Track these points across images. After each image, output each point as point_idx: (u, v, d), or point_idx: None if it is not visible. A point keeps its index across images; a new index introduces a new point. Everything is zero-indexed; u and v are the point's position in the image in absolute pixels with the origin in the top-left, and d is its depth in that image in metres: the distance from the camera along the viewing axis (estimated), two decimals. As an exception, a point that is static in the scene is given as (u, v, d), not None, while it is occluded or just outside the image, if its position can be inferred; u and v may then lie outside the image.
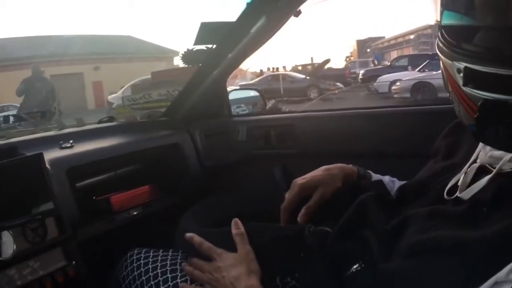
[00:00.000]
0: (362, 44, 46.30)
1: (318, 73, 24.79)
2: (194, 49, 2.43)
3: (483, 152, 1.06)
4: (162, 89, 2.96)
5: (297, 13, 2.09)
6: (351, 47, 49.99)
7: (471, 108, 0.93)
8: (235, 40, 2.27)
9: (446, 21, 1.00)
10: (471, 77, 0.91)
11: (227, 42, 2.30)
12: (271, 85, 20.90)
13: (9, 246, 1.58)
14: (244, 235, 1.31)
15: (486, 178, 0.97)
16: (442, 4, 1.00)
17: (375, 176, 1.57)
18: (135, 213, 2.21)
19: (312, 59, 37.73)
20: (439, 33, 1.03)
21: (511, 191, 0.91)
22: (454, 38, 0.97)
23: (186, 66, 2.72)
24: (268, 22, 2.12)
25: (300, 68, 30.61)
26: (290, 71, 28.40)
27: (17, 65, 19.24)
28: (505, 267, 0.79)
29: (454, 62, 0.94)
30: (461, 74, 0.92)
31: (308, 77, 23.63)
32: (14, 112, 11.20)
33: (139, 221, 2.21)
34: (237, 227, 1.33)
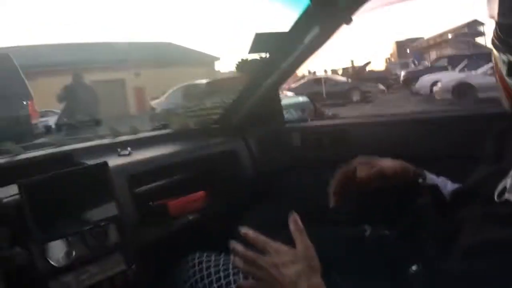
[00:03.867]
0: (401, 45, 45.76)
1: (359, 75, 24.62)
2: (247, 59, 2.46)
3: None
4: (215, 97, 3.00)
5: (349, 21, 2.11)
6: (390, 48, 49.30)
7: (511, 96, 1.03)
8: (288, 49, 2.29)
9: (501, 19, 1.06)
10: None
11: (280, 52, 2.33)
12: (313, 88, 20.80)
13: (68, 253, 1.63)
14: (303, 231, 1.16)
15: None
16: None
17: (430, 176, 1.57)
18: (191, 218, 2.24)
19: (352, 61, 37.50)
20: (494, 29, 1.09)
21: None
22: (504, 33, 1.03)
23: (238, 74, 2.75)
24: (321, 31, 2.15)
25: (340, 71, 30.41)
26: (331, 74, 28.20)
27: (58, 71, 19.43)
28: None
29: (501, 54, 1.03)
30: (505, 65, 1.02)
31: (349, 80, 23.49)
32: (54, 118, 11.36)
33: (195, 227, 2.24)
34: (295, 223, 1.17)
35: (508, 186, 1.07)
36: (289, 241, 1.16)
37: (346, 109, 17.87)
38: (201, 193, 2.31)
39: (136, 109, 26.55)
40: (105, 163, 1.80)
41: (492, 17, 1.10)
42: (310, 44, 2.25)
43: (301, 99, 4.31)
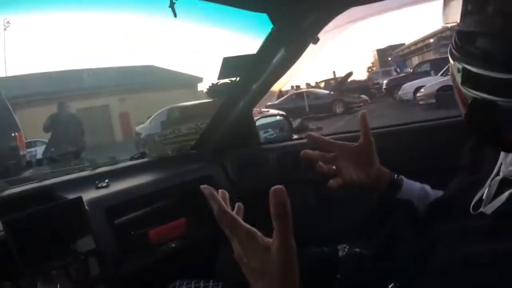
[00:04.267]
0: (382, 53, 45.80)
1: (341, 87, 24.66)
2: (218, 83, 2.47)
3: (504, 164, 1.08)
4: (190, 123, 3.01)
5: (316, 40, 2.13)
6: (372, 57, 49.38)
7: (465, 105, 1.01)
8: (257, 71, 2.31)
9: (460, 25, 1.06)
10: (467, 77, 0.99)
11: (250, 74, 2.35)
12: (296, 103, 20.85)
13: (55, 286, 1.64)
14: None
15: (506, 194, 0.98)
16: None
17: (407, 182, 1.56)
18: (173, 245, 2.24)
19: (334, 73, 37.52)
20: (452, 37, 1.09)
21: None
22: (460, 40, 1.03)
23: (211, 100, 2.76)
24: (288, 52, 2.17)
25: (323, 84, 30.48)
26: (314, 87, 28.26)
27: (43, 100, 19.42)
28: None
29: (456, 62, 1.02)
30: (460, 74, 1.01)
31: (332, 92, 23.53)
32: (43, 147, 11.38)
33: (177, 254, 2.24)
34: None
35: (484, 197, 1.06)
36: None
37: (330, 121, 17.93)
38: (181, 220, 2.32)
39: (122, 135, 26.46)
40: (79, 198, 1.81)
41: (447, 23, 1.11)
42: (279, 65, 2.27)
43: (278, 117, 4.29)
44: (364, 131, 1.47)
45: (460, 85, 1.01)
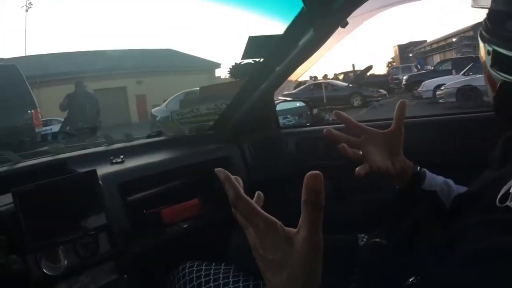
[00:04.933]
0: (403, 49, 45.73)
1: (360, 80, 24.64)
2: (241, 63, 2.43)
3: None
4: (210, 103, 2.97)
5: (345, 24, 2.08)
6: (393, 52, 49.31)
7: (494, 88, 1.01)
8: (282, 53, 2.26)
9: (492, 6, 1.03)
10: (497, 59, 0.97)
11: (274, 56, 2.29)
12: (314, 94, 20.86)
13: (60, 262, 1.61)
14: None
15: None
16: None
17: (430, 176, 1.54)
18: (185, 226, 2.22)
19: (353, 66, 37.49)
20: (483, 20, 1.07)
21: None
22: (491, 22, 1.01)
23: (233, 80, 2.72)
24: (316, 34, 2.11)
25: (341, 76, 30.43)
26: (332, 79, 28.24)
27: (60, 80, 19.60)
28: None
29: (486, 44, 1.01)
30: (490, 56, 0.99)
31: (350, 85, 23.52)
32: (58, 126, 11.50)
33: (189, 235, 2.22)
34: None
35: (511, 191, 1.02)
36: None
37: (347, 113, 17.89)
38: (195, 201, 2.29)
39: (138, 117, 26.66)
40: (94, 171, 1.77)
41: (477, 6, 1.08)
42: (305, 48, 2.21)
43: (298, 104, 4.26)
44: (398, 118, 1.42)
45: (489, 68, 0.98)
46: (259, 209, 0.85)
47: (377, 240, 1.37)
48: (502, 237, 0.92)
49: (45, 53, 28.48)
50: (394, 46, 49.22)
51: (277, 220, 0.83)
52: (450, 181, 1.54)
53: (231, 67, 2.49)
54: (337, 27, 2.11)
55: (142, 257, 1.99)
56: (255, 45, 2.21)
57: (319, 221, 0.79)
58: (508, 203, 1.00)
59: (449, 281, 0.96)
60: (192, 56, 32.01)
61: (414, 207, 1.35)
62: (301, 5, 1.93)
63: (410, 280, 1.10)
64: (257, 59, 2.36)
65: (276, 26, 2.25)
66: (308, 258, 0.79)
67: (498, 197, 1.05)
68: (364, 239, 1.42)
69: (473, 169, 1.34)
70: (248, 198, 0.86)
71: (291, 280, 0.80)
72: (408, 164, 1.50)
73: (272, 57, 2.31)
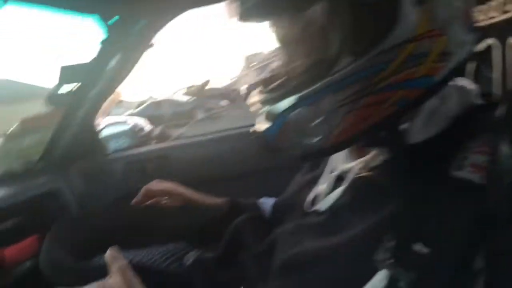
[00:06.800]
0: (249, 60, 46.30)
1: (200, 94, 24.75)
2: (58, 92, 2.41)
3: (340, 161, 1.08)
4: (34, 134, 2.89)
5: (150, 46, 2.14)
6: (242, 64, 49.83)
7: None
8: (94, 78, 2.28)
9: None
10: None
11: (87, 81, 2.30)
12: (156, 111, 20.63)
13: None
14: (114, 252, 1.03)
15: (339, 189, 1.00)
16: None
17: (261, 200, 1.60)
18: (29, 264, 2.17)
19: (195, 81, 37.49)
20: None
21: (360, 195, 0.95)
22: None
23: (54, 109, 2.68)
24: (125, 57, 2.16)
25: (185, 91, 30.44)
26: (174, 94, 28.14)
27: None
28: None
29: None
30: None
31: (192, 99, 23.53)
32: None
33: (35, 272, 2.14)
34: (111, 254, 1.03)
35: (320, 194, 1.07)
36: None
37: (192, 127, 17.90)
38: (33, 238, 2.23)
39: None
40: None
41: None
42: (117, 71, 2.26)
43: (127, 125, 4.20)
44: None
45: None
46: None
47: (202, 255, 1.40)
48: (310, 241, 0.97)
49: None
50: (244, 58, 49.65)
51: None
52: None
53: (47, 96, 2.46)
54: (144, 50, 2.16)
55: None
56: (68, 73, 2.20)
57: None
58: (316, 206, 1.05)
59: None
60: (27, 84, 30.63)
61: (234, 218, 1.40)
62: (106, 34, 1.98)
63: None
64: (72, 86, 2.35)
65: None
66: None
67: (306, 201, 1.11)
68: (196, 255, 1.43)
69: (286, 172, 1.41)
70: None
71: None
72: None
73: (85, 83, 2.30)
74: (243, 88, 24.92)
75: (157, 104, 22.59)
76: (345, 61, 0.82)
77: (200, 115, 21.55)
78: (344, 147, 0.97)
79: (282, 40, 1.01)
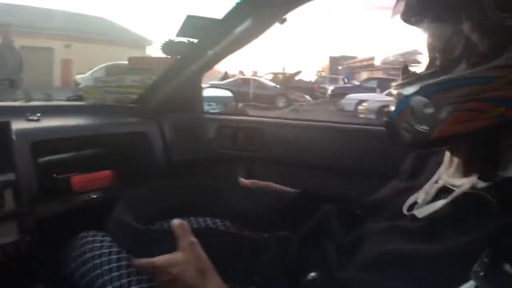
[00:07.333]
0: (334, 61, 46.34)
1: (288, 83, 24.85)
2: (175, 41, 2.40)
3: (446, 174, 1.11)
4: (136, 75, 2.92)
5: (283, 21, 2.10)
6: (324, 62, 49.98)
7: None
8: (218, 37, 2.27)
9: None
10: None
11: (209, 38, 2.29)
12: (240, 88, 20.79)
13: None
14: (185, 225, 1.15)
15: (442, 201, 1.01)
16: None
17: None
18: (94, 196, 2.16)
19: (284, 68, 37.66)
20: None
21: (465, 210, 0.96)
22: None
23: (164, 56, 2.69)
24: (253, 25, 2.13)
25: (270, 76, 30.53)
26: (261, 77, 28.34)
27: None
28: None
29: None
30: None
31: (278, 86, 23.68)
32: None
33: (97, 205, 2.14)
34: (179, 225, 1.16)
35: (419, 201, 1.09)
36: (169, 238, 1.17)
37: (269, 112, 18.00)
38: (107, 172, 2.24)
39: (61, 82, 25.89)
40: (7, 123, 1.71)
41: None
42: (240, 36, 2.23)
43: (225, 93, 4.24)
44: None
45: None
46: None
47: (283, 233, 1.40)
48: (402, 243, 0.98)
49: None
50: (326, 57, 49.88)
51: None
52: None
53: (164, 42, 2.46)
54: (275, 22, 2.13)
55: (47, 221, 1.92)
56: (192, 24, 2.20)
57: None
58: (414, 211, 1.05)
59: (349, 279, 1.00)
60: (125, 29, 31.43)
61: (321, 205, 1.40)
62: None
63: (312, 274, 1.12)
64: (191, 40, 2.34)
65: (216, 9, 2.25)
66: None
67: (406, 205, 1.11)
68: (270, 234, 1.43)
69: (380, 178, 1.44)
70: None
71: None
72: None
73: (206, 39, 2.31)
74: (330, 88, 24.92)
75: (245, 81, 22.83)
76: (462, 67, 0.96)
77: (281, 103, 21.65)
78: (443, 144, 1.12)
79: (430, 43, 1.11)
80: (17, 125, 1.89)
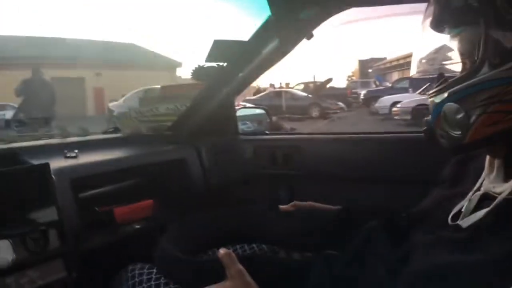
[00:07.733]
0: (364, 64, 46.30)
1: (320, 91, 24.81)
2: (204, 66, 2.41)
3: (488, 180, 1.10)
4: (169, 103, 2.94)
5: (310, 36, 2.10)
6: (353, 66, 49.86)
7: None
8: (246, 59, 2.27)
9: None
10: None
11: (238, 61, 2.30)
12: (273, 101, 20.81)
13: (8, 255, 1.56)
14: (232, 254, 1.17)
15: (485, 210, 1.00)
16: None
17: None
18: (137, 226, 2.17)
19: (314, 77, 37.64)
20: None
21: (506, 217, 0.95)
22: None
23: (195, 82, 2.70)
24: (281, 44, 2.12)
25: (301, 86, 30.49)
26: (291, 88, 28.35)
27: (18, 64, 19.03)
28: None
29: None
30: None
31: (310, 95, 23.64)
32: (12, 112, 11.20)
33: (141, 235, 2.17)
34: (225, 254, 1.17)
35: (463, 210, 1.08)
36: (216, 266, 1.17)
37: (304, 123, 17.97)
38: (149, 202, 2.25)
39: (95, 110, 26.22)
40: (47, 164, 1.72)
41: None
42: (269, 56, 2.23)
43: (258, 111, 4.25)
44: None
45: None
46: None
47: (329, 251, 1.39)
48: (448, 255, 0.97)
49: (2, 34, 27.64)
50: (355, 61, 49.79)
51: None
52: None
53: (194, 68, 2.47)
54: (302, 38, 2.12)
55: (92, 255, 1.94)
56: (220, 48, 2.20)
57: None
58: (459, 221, 1.04)
59: None
60: (154, 53, 31.67)
61: (364, 220, 1.38)
62: (269, 12, 1.94)
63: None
64: (220, 63, 2.35)
65: (242, 31, 2.25)
66: None
67: (450, 215, 1.10)
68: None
69: (421, 186, 1.41)
70: None
71: None
72: None
73: (235, 62, 2.31)
74: (362, 92, 24.79)
75: (278, 93, 22.86)
76: (485, 69, 0.97)
77: (314, 113, 21.60)
78: (478, 148, 1.09)
79: (458, 48, 1.14)
80: (56, 163, 1.92)
